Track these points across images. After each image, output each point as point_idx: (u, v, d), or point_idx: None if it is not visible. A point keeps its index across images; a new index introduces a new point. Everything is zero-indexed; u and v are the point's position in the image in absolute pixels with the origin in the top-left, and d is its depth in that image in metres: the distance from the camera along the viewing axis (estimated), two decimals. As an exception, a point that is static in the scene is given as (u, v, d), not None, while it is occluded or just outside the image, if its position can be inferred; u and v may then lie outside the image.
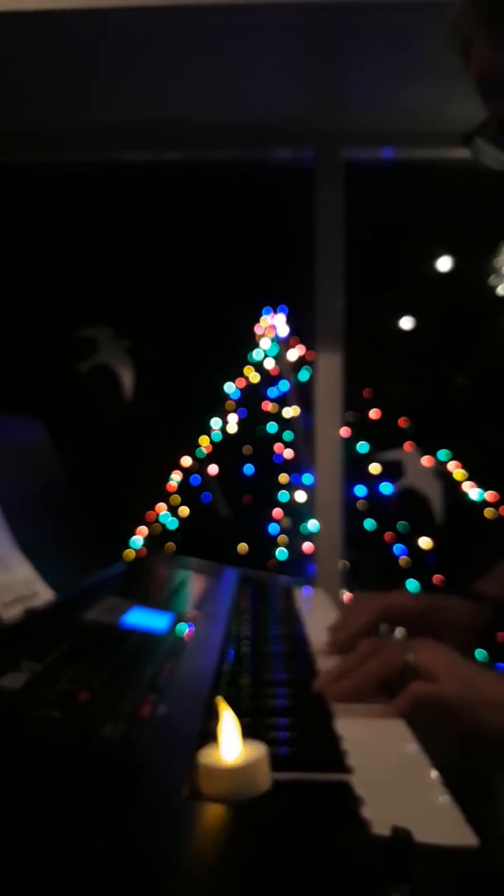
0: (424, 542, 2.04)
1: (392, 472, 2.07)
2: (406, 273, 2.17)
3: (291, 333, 2.08)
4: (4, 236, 1.94)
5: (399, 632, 0.97)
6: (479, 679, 0.71)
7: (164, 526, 2.04)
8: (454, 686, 0.69)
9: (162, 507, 2.04)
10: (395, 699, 0.71)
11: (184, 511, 2.05)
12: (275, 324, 2.09)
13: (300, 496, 1.99)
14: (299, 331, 2.06)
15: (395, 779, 0.57)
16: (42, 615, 0.85)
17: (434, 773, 0.57)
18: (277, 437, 2.08)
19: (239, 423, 2.08)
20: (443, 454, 2.07)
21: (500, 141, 0.77)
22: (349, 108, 1.69)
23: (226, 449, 2.07)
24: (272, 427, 2.08)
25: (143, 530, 2.02)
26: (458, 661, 0.74)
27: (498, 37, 0.72)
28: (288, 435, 2.07)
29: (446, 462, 2.07)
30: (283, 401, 2.08)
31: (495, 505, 2.01)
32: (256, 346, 2.09)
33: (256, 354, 2.09)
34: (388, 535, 2.05)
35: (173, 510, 2.05)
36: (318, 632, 0.96)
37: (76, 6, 1.29)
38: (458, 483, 2.05)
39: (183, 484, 2.06)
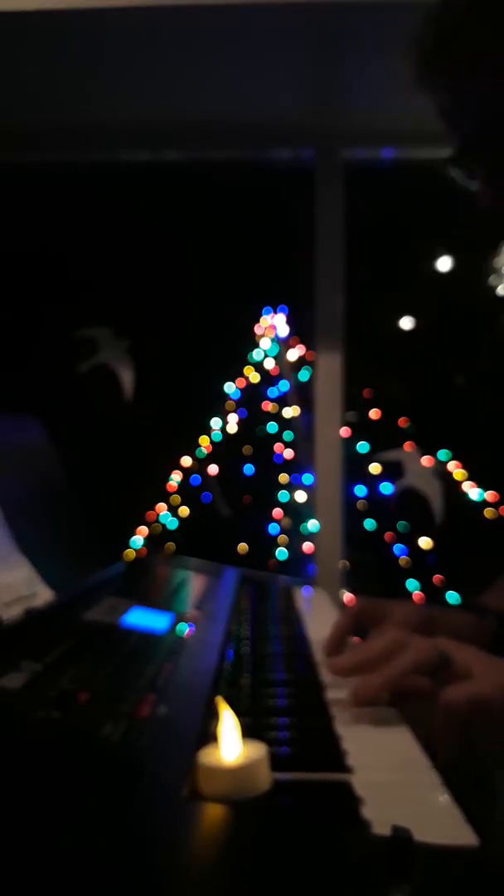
0: (424, 542, 2.04)
1: (392, 472, 2.07)
2: (406, 273, 2.17)
3: (291, 333, 2.08)
4: (4, 236, 1.94)
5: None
6: None
7: (164, 526, 2.04)
8: (492, 680, 0.65)
9: (162, 507, 2.04)
10: (434, 723, 0.64)
11: (184, 511, 2.05)
12: (275, 324, 2.09)
13: (300, 496, 1.99)
14: (299, 331, 2.06)
15: (395, 778, 0.57)
16: (42, 615, 0.85)
17: (434, 773, 0.57)
18: (277, 437, 2.08)
19: (239, 423, 2.08)
20: (443, 454, 2.07)
21: (464, 168, 0.85)
22: (349, 108, 1.68)
23: (226, 449, 2.07)
24: (272, 427, 2.08)
25: (143, 530, 2.02)
26: (488, 656, 0.70)
27: (444, 80, 0.81)
28: (288, 435, 2.07)
29: (446, 462, 2.07)
30: (283, 401, 2.08)
31: (495, 505, 2.01)
32: (256, 346, 2.09)
33: (256, 354, 2.09)
34: (388, 535, 2.05)
35: (173, 510, 2.05)
36: (318, 632, 0.96)
37: (76, 6, 1.29)
38: (458, 483, 2.05)
39: (183, 484, 2.06)
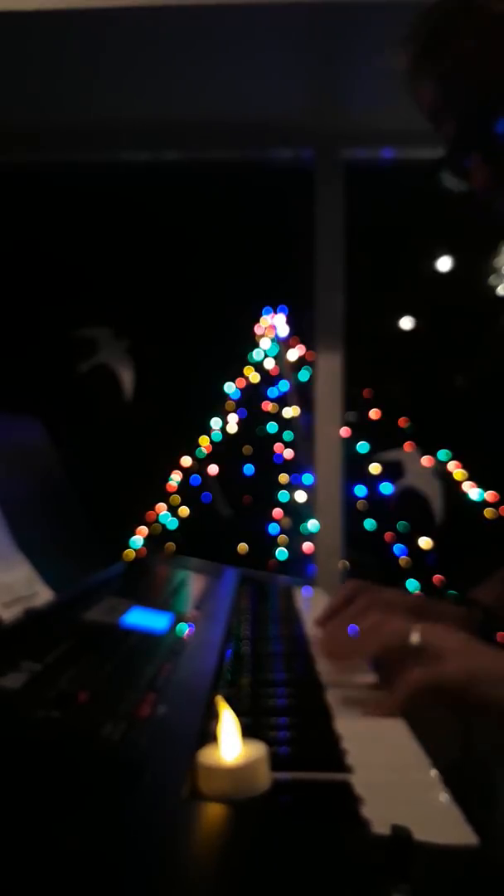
0: (424, 542, 2.04)
1: (392, 472, 2.07)
2: (406, 273, 2.17)
3: (291, 333, 2.08)
4: (4, 236, 1.94)
5: None
6: (488, 655, 0.69)
7: (164, 526, 2.04)
8: (460, 662, 0.68)
9: (162, 507, 2.04)
10: (394, 690, 0.68)
11: (184, 511, 2.05)
12: (275, 324, 2.08)
13: (300, 496, 1.99)
14: (299, 331, 2.06)
15: (394, 778, 0.57)
16: (42, 615, 0.85)
17: (434, 773, 0.57)
18: (277, 437, 2.08)
19: (239, 423, 2.08)
20: (443, 454, 2.07)
21: (456, 168, 0.89)
22: (349, 108, 1.68)
23: (226, 449, 2.07)
24: (272, 427, 2.08)
25: (143, 530, 2.02)
26: (467, 640, 0.72)
27: (436, 75, 0.85)
28: (288, 435, 2.07)
29: (446, 462, 2.07)
30: (283, 401, 2.08)
31: (495, 505, 2.01)
32: (256, 346, 2.09)
33: (256, 354, 2.09)
34: (388, 535, 2.05)
35: (173, 510, 2.05)
36: (317, 632, 0.96)
37: (76, 6, 1.29)
38: (458, 483, 2.05)
39: (183, 484, 2.06)
